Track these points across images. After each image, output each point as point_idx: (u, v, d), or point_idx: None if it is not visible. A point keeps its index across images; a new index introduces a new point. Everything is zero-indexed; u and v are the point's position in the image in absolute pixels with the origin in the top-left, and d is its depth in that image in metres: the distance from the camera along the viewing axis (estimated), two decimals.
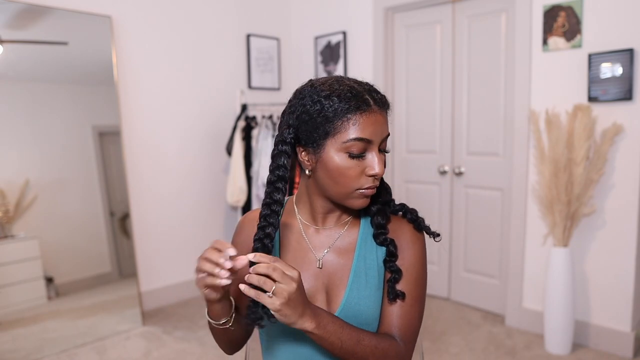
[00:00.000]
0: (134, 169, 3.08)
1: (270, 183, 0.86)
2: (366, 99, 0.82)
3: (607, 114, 2.40)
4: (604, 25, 2.39)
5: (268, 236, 0.84)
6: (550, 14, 2.55)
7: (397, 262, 0.90)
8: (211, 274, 0.75)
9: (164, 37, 3.19)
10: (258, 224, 0.85)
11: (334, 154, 0.83)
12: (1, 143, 2.68)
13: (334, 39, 3.61)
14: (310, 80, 0.89)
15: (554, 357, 2.48)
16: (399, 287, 0.89)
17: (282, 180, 0.86)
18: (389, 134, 0.87)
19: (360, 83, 0.86)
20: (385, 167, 0.87)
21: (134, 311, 2.98)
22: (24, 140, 2.77)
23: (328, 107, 0.82)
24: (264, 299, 0.73)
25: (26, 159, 2.78)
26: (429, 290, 3.31)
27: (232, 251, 0.75)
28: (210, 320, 0.86)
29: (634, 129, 2.34)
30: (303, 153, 0.88)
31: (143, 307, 3.06)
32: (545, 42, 2.58)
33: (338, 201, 0.89)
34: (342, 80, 0.85)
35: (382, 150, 0.87)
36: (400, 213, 0.96)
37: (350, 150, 0.82)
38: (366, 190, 0.85)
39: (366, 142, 0.82)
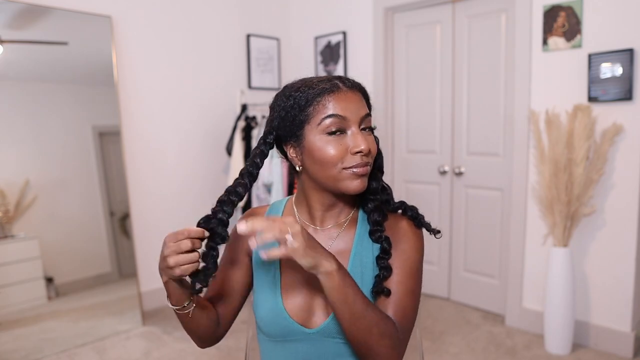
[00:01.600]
0: (134, 169, 3.08)
1: (240, 175, 0.90)
2: (335, 83, 0.86)
3: (607, 114, 2.40)
4: (604, 25, 2.39)
5: (221, 222, 0.84)
6: (550, 14, 2.55)
7: (393, 256, 0.90)
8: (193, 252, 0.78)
9: (164, 37, 3.19)
10: (212, 208, 0.87)
11: (314, 138, 0.85)
12: (1, 143, 2.68)
13: (334, 39, 3.61)
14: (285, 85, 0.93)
15: (554, 357, 2.48)
16: (393, 279, 0.88)
17: (250, 175, 0.89)
18: (368, 113, 0.88)
19: (331, 76, 0.89)
20: (377, 146, 0.89)
21: (134, 311, 2.98)
22: (24, 140, 2.77)
23: (300, 97, 0.85)
24: (286, 251, 0.74)
25: (26, 159, 2.78)
26: (429, 290, 3.31)
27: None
28: (174, 307, 0.87)
29: (634, 129, 2.34)
30: (290, 150, 0.90)
31: (143, 307, 3.06)
32: (545, 42, 2.58)
33: (332, 188, 0.88)
34: (312, 77, 0.91)
35: (366, 129, 0.87)
36: (400, 211, 0.96)
37: (327, 129, 0.84)
38: (356, 169, 0.85)
39: (341, 119, 0.84)
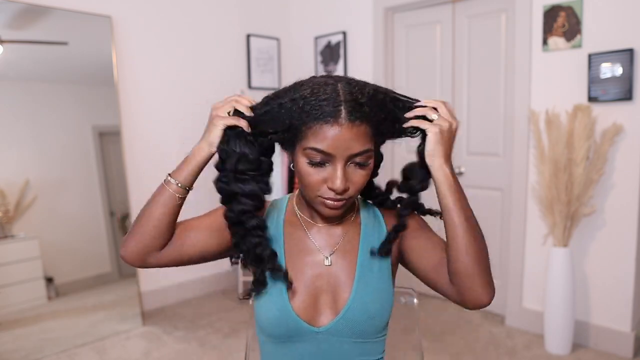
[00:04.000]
0: (134, 169, 3.08)
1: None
2: (338, 110, 0.78)
3: (607, 114, 2.40)
4: (604, 25, 2.39)
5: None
6: (550, 14, 2.55)
7: (404, 233, 0.94)
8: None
9: (164, 37, 3.19)
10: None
11: (299, 156, 0.83)
12: (1, 143, 2.68)
13: (334, 39, 3.61)
14: (313, 77, 0.88)
15: (554, 357, 2.48)
16: (423, 236, 0.94)
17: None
18: (364, 150, 0.80)
19: (351, 92, 0.80)
20: (363, 180, 0.83)
21: (134, 311, 2.98)
22: (24, 140, 2.77)
23: (300, 108, 0.80)
24: (423, 123, 0.83)
25: (26, 159, 2.78)
26: (429, 290, 3.30)
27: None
28: (172, 181, 0.88)
29: (634, 129, 2.34)
30: (286, 151, 0.90)
31: (143, 307, 3.06)
32: (545, 42, 2.58)
33: (310, 203, 0.89)
34: (329, 82, 0.82)
35: (359, 164, 0.82)
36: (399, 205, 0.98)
37: (309, 157, 0.81)
38: (327, 201, 0.83)
39: (326, 155, 0.80)
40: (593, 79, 2.42)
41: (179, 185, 0.87)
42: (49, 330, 2.74)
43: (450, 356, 2.50)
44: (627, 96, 2.33)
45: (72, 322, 2.85)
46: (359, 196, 0.98)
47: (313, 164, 0.81)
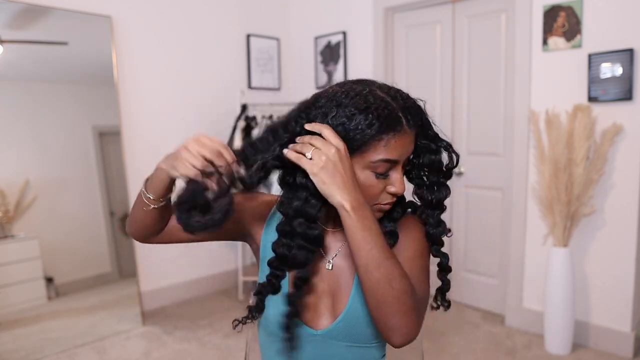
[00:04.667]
0: (134, 169, 3.08)
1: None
2: (399, 119, 0.79)
3: (607, 114, 2.40)
4: (604, 25, 2.39)
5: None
6: (550, 14, 2.55)
7: (401, 240, 0.89)
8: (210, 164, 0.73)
9: (164, 37, 3.19)
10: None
11: (359, 171, 0.80)
12: (1, 143, 2.68)
13: (334, 39, 3.61)
14: (343, 84, 0.84)
15: (554, 357, 2.48)
16: (405, 257, 0.86)
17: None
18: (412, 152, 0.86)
19: (395, 97, 0.81)
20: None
21: (134, 311, 2.98)
22: (24, 140, 2.77)
23: (362, 122, 0.77)
24: (303, 162, 0.77)
25: (26, 159, 2.78)
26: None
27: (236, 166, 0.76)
28: (145, 193, 0.84)
29: (634, 129, 2.34)
30: None
31: (143, 307, 3.06)
32: (545, 42, 2.58)
33: None
34: (376, 92, 0.80)
35: (404, 166, 0.86)
36: (410, 209, 0.94)
37: (376, 169, 0.81)
38: (384, 206, 0.85)
39: (393, 163, 0.81)
40: (593, 79, 2.42)
41: (152, 198, 0.85)
42: (49, 330, 2.74)
43: (450, 356, 2.50)
44: (627, 96, 2.33)
45: (72, 322, 2.85)
46: None
47: (379, 175, 0.82)
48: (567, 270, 2.46)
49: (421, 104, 0.86)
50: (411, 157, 0.87)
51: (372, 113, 0.77)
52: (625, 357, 2.44)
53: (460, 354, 2.52)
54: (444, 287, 0.95)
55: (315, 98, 0.83)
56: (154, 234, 0.91)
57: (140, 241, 0.93)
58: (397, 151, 0.80)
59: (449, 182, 0.89)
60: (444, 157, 0.88)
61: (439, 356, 2.50)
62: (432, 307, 0.94)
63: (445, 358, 2.48)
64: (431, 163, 0.87)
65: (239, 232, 0.98)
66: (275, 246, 0.86)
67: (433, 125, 0.87)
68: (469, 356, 2.50)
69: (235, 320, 0.92)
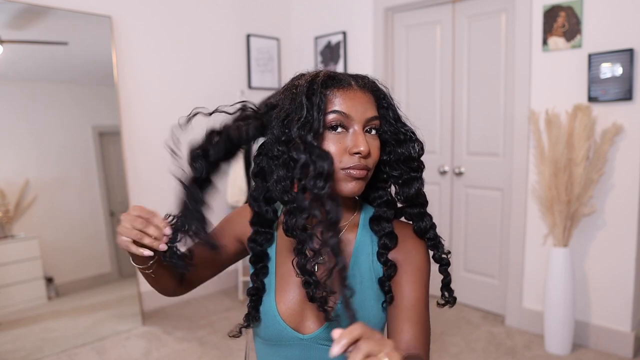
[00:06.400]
0: (134, 169, 3.08)
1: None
2: (347, 79, 0.84)
3: (607, 114, 2.40)
4: (604, 25, 2.39)
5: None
6: (550, 14, 2.55)
7: (404, 270, 0.90)
8: (147, 236, 0.79)
9: (164, 37, 3.19)
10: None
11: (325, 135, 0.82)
12: (1, 143, 2.68)
13: (334, 39, 3.61)
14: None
15: (554, 357, 2.48)
16: (410, 294, 0.88)
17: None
18: (376, 116, 0.84)
19: (344, 73, 0.86)
20: (378, 152, 0.85)
21: (134, 311, 2.98)
22: (23, 140, 2.77)
23: (306, 87, 0.81)
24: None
25: (26, 159, 2.78)
26: (430, 290, 3.30)
27: (168, 230, 0.82)
28: (136, 265, 0.88)
29: (634, 129, 2.34)
30: None
31: (143, 307, 3.06)
32: (545, 42, 2.58)
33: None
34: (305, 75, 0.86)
35: (371, 131, 0.84)
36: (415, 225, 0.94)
37: (328, 124, 0.80)
38: (351, 170, 0.81)
39: (344, 116, 0.80)
40: (593, 79, 2.42)
41: (141, 266, 0.88)
42: (49, 330, 2.74)
43: (450, 356, 2.50)
44: (627, 96, 2.33)
45: (72, 322, 2.85)
46: (357, 198, 0.96)
47: (332, 127, 0.81)
48: (567, 271, 2.46)
49: (384, 89, 0.89)
50: (384, 157, 0.88)
51: (320, 79, 0.81)
52: (625, 357, 2.44)
53: (460, 354, 2.52)
54: (447, 280, 0.97)
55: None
56: (177, 285, 0.98)
57: (172, 296, 1.01)
58: (345, 104, 0.81)
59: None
60: (414, 148, 0.88)
61: (439, 356, 2.50)
62: (439, 304, 0.95)
63: (445, 358, 2.48)
64: (398, 156, 0.88)
65: (244, 247, 1.02)
66: (248, 242, 0.93)
67: (398, 110, 0.89)
68: (469, 356, 2.50)
69: (231, 331, 0.96)
